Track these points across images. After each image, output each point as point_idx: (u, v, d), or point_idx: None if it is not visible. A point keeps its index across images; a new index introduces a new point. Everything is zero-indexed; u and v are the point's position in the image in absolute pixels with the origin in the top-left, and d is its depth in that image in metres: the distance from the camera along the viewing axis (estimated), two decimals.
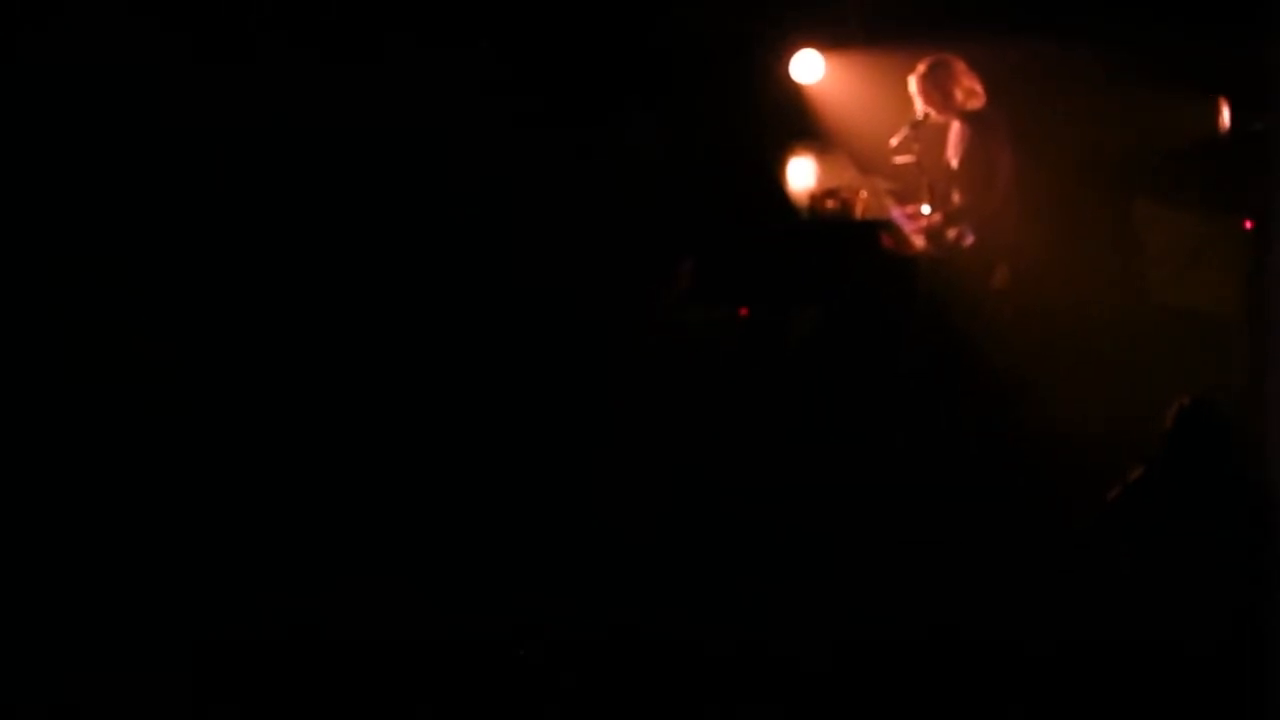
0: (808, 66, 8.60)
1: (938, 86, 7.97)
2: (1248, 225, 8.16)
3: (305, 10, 8.29)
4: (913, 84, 8.02)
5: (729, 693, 5.78)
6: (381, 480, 7.25)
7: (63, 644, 5.89)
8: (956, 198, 8.08)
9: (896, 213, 8.27)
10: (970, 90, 7.96)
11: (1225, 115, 8.23)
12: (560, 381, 7.92)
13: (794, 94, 8.64)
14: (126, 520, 6.77)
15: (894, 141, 8.16)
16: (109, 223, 7.81)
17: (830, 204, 8.27)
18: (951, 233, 8.10)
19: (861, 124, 8.51)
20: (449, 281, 8.19)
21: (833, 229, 8.23)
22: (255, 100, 7.99)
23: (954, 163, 8.09)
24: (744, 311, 8.18)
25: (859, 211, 8.28)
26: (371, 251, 8.15)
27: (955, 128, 8.08)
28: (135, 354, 7.55)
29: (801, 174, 8.49)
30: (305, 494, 7.05)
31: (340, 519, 6.91)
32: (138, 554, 6.53)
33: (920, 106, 8.04)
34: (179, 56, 7.89)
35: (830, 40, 8.57)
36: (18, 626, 5.99)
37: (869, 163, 8.47)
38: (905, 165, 8.23)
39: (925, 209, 8.17)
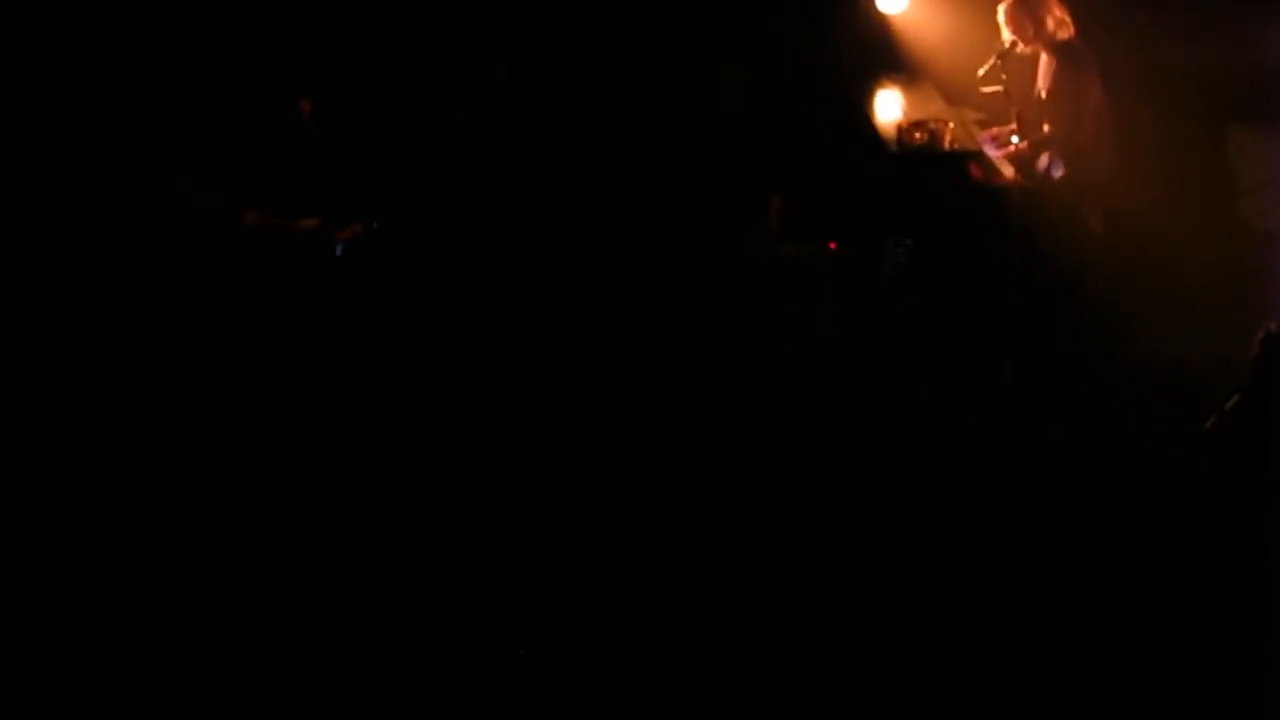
0: None
1: (1028, 16, 7.91)
2: None
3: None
4: (1001, 14, 7.97)
5: None
6: (393, 478, 7.07)
7: (60, 642, 5.83)
8: (1046, 128, 8.07)
9: (985, 142, 8.27)
10: (1060, 20, 7.90)
11: None
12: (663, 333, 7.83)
13: (880, 24, 8.62)
14: (126, 520, 6.68)
15: (981, 71, 8.14)
16: (109, 223, 7.65)
17: (918, 135, 8.23)
18: (1041, 161, 8.09)
19: (948, 54, 8.47)
20: (505, 264, 7.93)
21: (921, 160, 8.22)
22: (261, 99, 7.84)
23: (1043, 93, 8.06)
24: (833, 245, 8.19)
25: (947, 142, 8.24)
26: (408, 243, 7.86)
27: (1044, 58, 8.03)
28: (135, 354, 7.42)
29: (889, 106, 8.49)
30: (305, 493, 6.91)
31: (340, 518, 6.76)
32: (137, 554, 6.45)
33: (1008, 36, 8.02)
34: (183, 56, 7.73)
35: None
36: (15, 625, 5.96)
37: (956, 93, 8.46)
38: (993, 95, 8.21)
39: (1014, 138, 8.16)
